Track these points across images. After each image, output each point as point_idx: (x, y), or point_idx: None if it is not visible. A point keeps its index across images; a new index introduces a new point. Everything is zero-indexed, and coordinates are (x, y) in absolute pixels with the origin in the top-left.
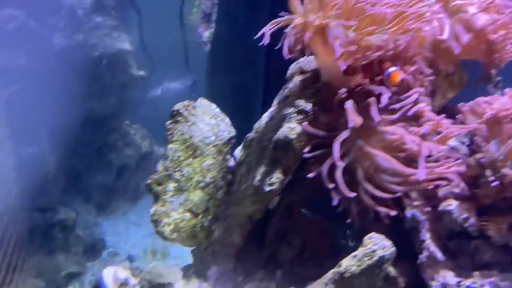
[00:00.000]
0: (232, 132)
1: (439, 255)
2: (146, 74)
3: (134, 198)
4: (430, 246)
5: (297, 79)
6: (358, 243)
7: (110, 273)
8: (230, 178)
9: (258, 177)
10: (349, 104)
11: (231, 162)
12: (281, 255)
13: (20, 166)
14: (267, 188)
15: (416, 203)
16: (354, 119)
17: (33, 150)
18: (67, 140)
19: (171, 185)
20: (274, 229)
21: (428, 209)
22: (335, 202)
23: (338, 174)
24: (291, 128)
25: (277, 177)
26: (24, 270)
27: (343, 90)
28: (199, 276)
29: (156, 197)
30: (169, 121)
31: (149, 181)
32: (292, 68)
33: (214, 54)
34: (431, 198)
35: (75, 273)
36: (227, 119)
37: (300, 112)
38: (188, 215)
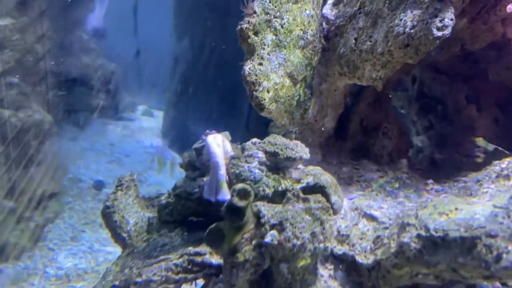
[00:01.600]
0: None
1: None
2: None
3: (83, 123)
4: None
5: None
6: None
7: (219, 142)
8: (325, 43)
9: (409, 24)
10: None
11: (324, 24)
12: (377, 147)
13: None
14: (438, 33)
15: None
16: None
17: None
18: None
19: (270, 36)
20: (359, 118)
21: None
22: None
23: None
24: None
25: (449, 17)
26: None
27: None
28: None
29: (252, 51)
30: None
31: (244, 25)
32: None
33: None
34: None
35: (53, 194)
36: None
37: None
38: (288, 81)
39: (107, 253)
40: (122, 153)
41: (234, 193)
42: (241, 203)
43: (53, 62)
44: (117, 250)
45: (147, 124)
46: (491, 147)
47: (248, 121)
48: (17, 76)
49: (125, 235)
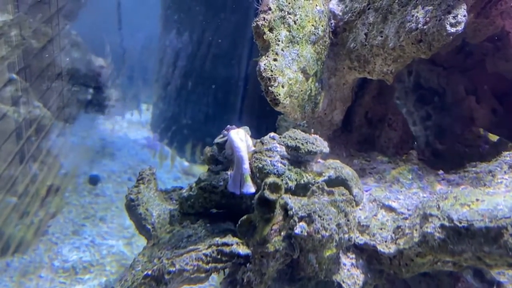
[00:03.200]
0: None
1: None
2: None
3: (72, 118)
4: None
5: None
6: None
7: (242, 136)
8: (333, 38)
9: (421, 20)
10: None
11: (332, 19)
12: (383, 139)
13: None
14: (451, 29)
15: None
16: None
17: None
18: None
19: (284, 32)
20: (364, 110)
21: None
22: None
23: None
24: None
25: (462, 14)
26: None
27: None
28: None
29: (266, 47)
30: None
31: (260, 22)
32: None
33: None
34: None
35: (57, 188)
36: None
37: None
38: (301, 76)
39: (109, 246)
40: (114, 148)
41: (266, 186)
42: (273, 196)
43: (67, 59)
44: (119, 243)
45: (136, 118)
46: (494, 137)
47: (241, 115)
48: (16, 72)
49: (149, 226)
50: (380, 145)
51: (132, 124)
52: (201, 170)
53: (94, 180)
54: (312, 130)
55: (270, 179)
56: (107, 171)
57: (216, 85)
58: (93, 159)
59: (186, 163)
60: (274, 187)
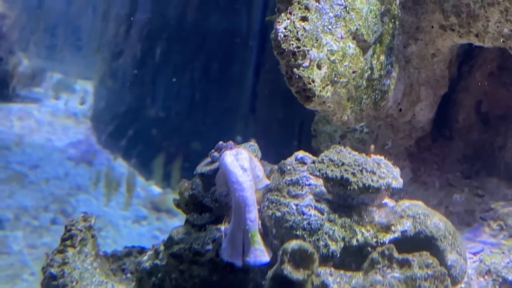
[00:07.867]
0: None
1: None
2: None
3: None
4: None
5: None
6: None
7: (244, 163)
8: None
9: None
10: None
11: None
12: (509, 151)
13: None
14: None
15: None
16: None
17: None
18: None
19: None
20: (474, 98)
21: None
22: None
23: None
24: None
25: None
26: None
27: None
28: None
29: None
30: None
31: None
32: None
33: None
34: None
35: None
36: None
37: None
38: (352, 45)
39: None
40: (26, 163)
41: (286, 255)
42: (298, 275)
43: None
44: None
45: (66, 106)
46: None
47: (253, 103)
48: None
49: None
50: (503, 163)
51: (57, 117)
52: None
53: None
54: (372, 147)
55: (294, 244)
56: (13, 207)
57: (206, 52)
58: None
59: (156, 190)
60: (302, 257)
